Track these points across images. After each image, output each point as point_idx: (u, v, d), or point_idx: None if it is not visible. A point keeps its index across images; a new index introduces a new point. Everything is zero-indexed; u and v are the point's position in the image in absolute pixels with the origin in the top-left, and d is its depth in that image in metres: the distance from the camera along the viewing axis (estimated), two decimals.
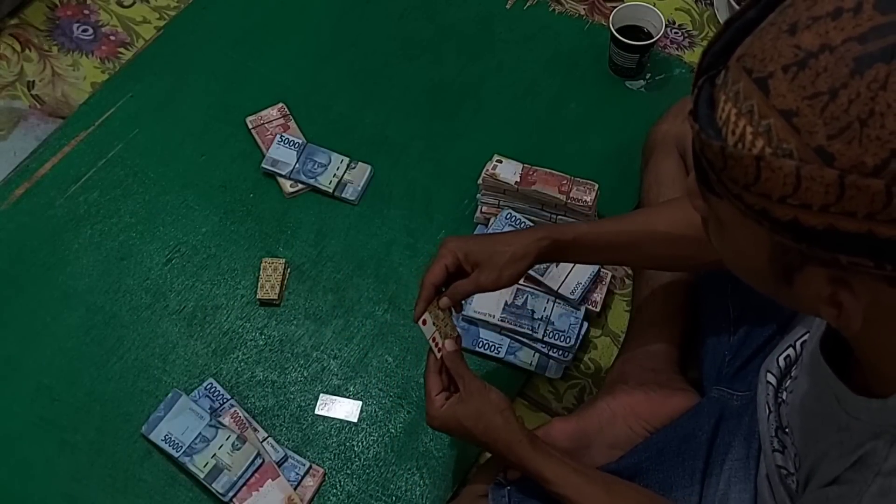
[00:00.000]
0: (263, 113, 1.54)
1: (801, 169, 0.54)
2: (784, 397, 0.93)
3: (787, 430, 0.90)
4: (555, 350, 1.30)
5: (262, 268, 1.38)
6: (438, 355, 1.03)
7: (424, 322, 1.05)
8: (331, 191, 1.46)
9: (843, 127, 0.53)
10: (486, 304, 1.31)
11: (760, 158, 0.55)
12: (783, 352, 0.95)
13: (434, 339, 1.04)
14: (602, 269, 1.35)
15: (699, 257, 0.98)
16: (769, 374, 0.96)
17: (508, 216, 1.37)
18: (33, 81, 1.63)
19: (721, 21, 1.68)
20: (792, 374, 0.93)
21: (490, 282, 1.04)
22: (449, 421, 1.01)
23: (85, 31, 1.69)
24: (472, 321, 1.32)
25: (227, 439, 1.22)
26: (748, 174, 0.56)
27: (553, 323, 1.30)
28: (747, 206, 0.58)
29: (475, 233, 1.41)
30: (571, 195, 1.32)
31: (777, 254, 0.61)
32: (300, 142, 1.49)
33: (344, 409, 1.29)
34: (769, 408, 0.95)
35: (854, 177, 0.53)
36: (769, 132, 0.55)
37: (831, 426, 0.76)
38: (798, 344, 0.93)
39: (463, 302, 1.34)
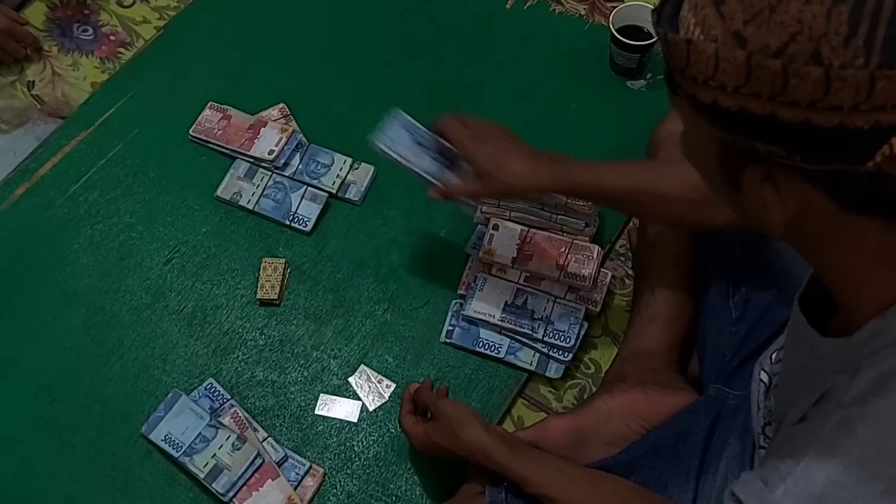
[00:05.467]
0: (264, 113, 1.53)
1: (719, 51, 0.59)
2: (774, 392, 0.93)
3: (772, 423, 0.91)
4: (555, 350, 1.30)
5: (262, 268, 1.38)
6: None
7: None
8: (334, 191, 1.46)
9: (756, 12, 0.58)
10: (486, 304, 1.31)
11: (690, 42, 0.60)
12: (777, 349, 0.95)
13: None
14: (602, 269, 1.35)
15: (700, 221, 1.07)
16: (762, 372, 0.96)
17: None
18: (33, 81, 1.63)
19: None
20: None
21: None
22: (427, 444, 1.10)
23: (85, 31, 1.69)
24: (472, 321, 1.32)
25: (227, 439, 1.22)
26: (682, 58, 0.61)
27: (553, 323, 1.30)
28: (684, 91, 0.63)
29: (475, 233, 1.41)
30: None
31: (722, 153, 0.65)
32: (303, 142, 1.49)
33: (344, 409, 1.29)
34: (759, 405, 0.95)
35: (759, 57, 0.57)
36: (704, 21, 0.60)
37: (803, 375, 0.78)
38: None
39: (462, 301, 1.34)
